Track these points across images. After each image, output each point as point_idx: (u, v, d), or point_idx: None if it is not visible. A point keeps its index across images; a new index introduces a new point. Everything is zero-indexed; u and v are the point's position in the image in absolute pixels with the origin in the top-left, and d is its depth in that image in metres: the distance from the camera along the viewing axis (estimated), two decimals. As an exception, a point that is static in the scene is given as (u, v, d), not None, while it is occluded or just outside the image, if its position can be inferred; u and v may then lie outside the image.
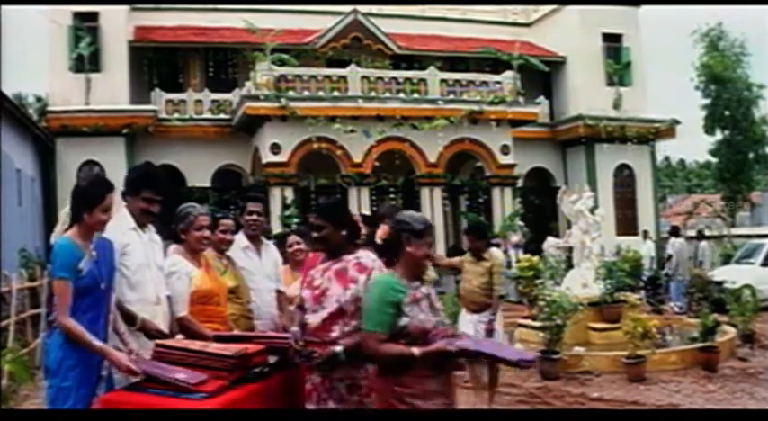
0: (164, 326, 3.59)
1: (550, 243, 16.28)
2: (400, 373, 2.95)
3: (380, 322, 2.94)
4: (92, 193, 3.31)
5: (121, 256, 3.48)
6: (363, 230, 3.37)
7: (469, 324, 6.59)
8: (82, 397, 3.17)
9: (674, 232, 15.94)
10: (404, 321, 2.96)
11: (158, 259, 3.72)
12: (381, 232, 4.09)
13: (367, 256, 3.26)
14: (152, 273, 3.61)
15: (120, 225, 3.54)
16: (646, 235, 18.33)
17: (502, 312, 6.84)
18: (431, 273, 5.08)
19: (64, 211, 9.66)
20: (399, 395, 2.95)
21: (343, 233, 3.26)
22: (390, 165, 18.37)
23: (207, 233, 4.00)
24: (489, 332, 6.50)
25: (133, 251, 3.52)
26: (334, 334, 3.14)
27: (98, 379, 3.27)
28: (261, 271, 4.60)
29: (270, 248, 4.78)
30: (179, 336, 3.64)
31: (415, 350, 2.92)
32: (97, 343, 3.15)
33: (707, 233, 20.20)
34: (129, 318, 3.42)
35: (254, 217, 4.63)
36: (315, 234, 3.30)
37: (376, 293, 2.99)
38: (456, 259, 7.18)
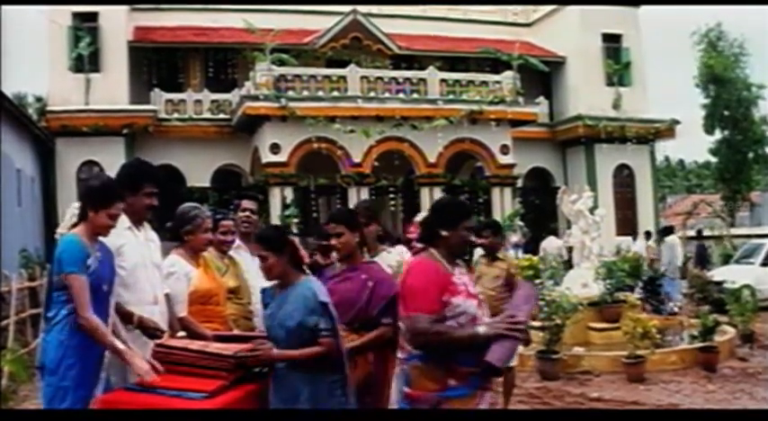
0: (161, 325, 3.54)
1: (551, 243, 16.25)
2: None
3: None
4: (102, 195, 3.26)
5: (117, 257, 3.43)
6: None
7: None
8: (80, 397, 3.13)
9: (667, 232, 15.89)
10: None
11: (155, 258, 3.66)
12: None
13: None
14: (148, 273, 3.56)
15: (116, 226, 3.49)
16: (648, 235, 18.22)
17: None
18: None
19: (74, 205, 9.69)
20: None
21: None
22: (390, 165, 18.37)
23: (210, 235, 4.03)
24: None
25: (128, 251, 3.47)
26: None
27: (96, 380, 3.23)
28: (253, 269, 4.58)
29: None
30: (181, 334, 3.64)
31: None
32: (119, 345, 3.12)
33: (707, 233, 20.22)
34: (126, 317, 3.40)
35: (248, 214, 4.63)
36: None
37: None
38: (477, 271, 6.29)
